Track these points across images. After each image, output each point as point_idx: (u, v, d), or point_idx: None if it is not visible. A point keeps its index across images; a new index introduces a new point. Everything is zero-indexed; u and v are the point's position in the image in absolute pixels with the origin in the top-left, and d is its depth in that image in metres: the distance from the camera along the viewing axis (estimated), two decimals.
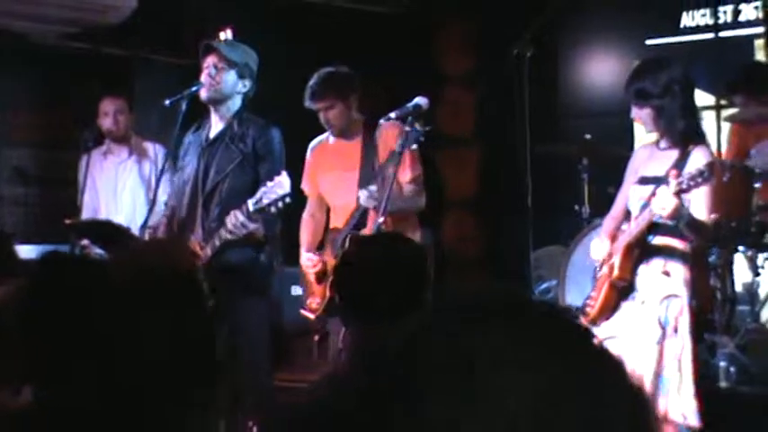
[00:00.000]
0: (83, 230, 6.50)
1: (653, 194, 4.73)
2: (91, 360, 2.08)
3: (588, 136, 7.33)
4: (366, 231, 5.37)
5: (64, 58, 8.76)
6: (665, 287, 4.75)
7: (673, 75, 4.83)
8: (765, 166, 6.13)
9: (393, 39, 8.53)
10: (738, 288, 6.33)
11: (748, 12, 8.23)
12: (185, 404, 2.12)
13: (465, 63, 9.14)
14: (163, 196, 5.90)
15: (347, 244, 5.32)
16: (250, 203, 4.94)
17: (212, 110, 5.46)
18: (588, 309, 4.95)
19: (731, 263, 6.28)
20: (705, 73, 7.92)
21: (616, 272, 4.82)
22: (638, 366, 4.64)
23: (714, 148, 7.32)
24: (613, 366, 1.09)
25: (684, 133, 4.80)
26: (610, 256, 4.93)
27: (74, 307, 2.22)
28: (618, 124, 7.36)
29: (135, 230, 6.11)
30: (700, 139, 4.84)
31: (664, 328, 4.70)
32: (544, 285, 7.27)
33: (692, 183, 4.44)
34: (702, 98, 7.87)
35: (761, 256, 6.24)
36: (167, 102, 5.50)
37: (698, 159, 4.72)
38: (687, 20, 8.36)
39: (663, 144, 4.90)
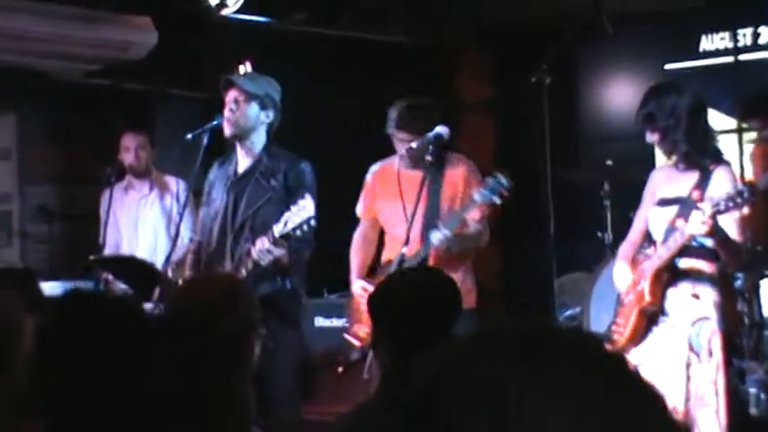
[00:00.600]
0: (106, 266, 6.53)
1: (678, 216, 4.70)
2: (102, 395, 2.09)
3: (609, 161, 7.32)
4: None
5: (85, 94, 8.83)
6: (695, 310, 4.72)
7: (677, 100, 4.84)
8: None
9: (413, 69, 8.55)
10: (766, 313, 6.28)
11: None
12: None
13: (484, 92, 9.16)
14: (185, 231, 5.91)
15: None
16: (275, 229, 4.94)
17: (238, 145, 5.46)
18: (616, 336, 4.91)
19: (758, 288, 6.23)
20: (725, 96, 7.91)
21: (647, 297, 4.78)
22: (667, 389, 4.60)
23: (736, 171, 7.30)
24: (649, 394, 1.09)
25: (687, 156, 4.80)
26: (635, 282, 4.89)
27: (89, 343, 2.23)
28: (639, 149, 7.32)
29: (158, 265, 6.13)
30: (718, 158, 4.83)
31: (697, 353, 4.67)
32: (568, 312, 7.24)
33: (730, 204, 4.38)
34: (723, 121, 7.85)
35: None
36: (188, 136, 5.51)
37: (721, 179, 4.70)
38: (706, 43, 8.35)
39: (681, 165, 4.88)
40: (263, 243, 4.99)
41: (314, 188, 5.34)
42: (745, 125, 7.73)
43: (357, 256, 5.89)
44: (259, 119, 5.39)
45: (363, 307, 5.59)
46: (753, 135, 7.15)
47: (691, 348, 4.69)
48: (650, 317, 4.82)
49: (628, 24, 7.64)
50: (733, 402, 5.00)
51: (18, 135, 9.14)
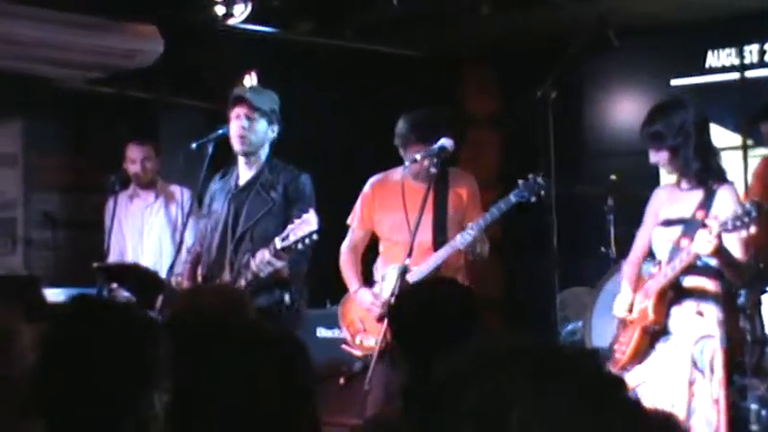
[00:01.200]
0: (110, 273, 6.53)
1: (683, 236, 4.70)
2: (104, 403, 2.09)
3: (613, 177, 7.32)
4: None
5: (91, 102, 8.84)
6: (699, 328, 4.72)
7: (685, 116, 4.82)
8: None
9: (417, 81, 8.56)
10: None
11: None
12: None
13: (489, 105, 9.17)
14: (189, 239, 5.92)
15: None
16: (277, 241, 4.96)
17: (243, 158, 5.48)
18: (618, 355, 4.90)
19: (760, 304, 6.23)
20: (731, 113, 7.91)
21: (651, 316, 4.76)
22: (669, 407, 4.59)
23: (741, 188, 7.30)
24: (644, 416, 1.08)
25: (700, 173, 4.79)
26: (639, 301, 4.87)
27: (91, 351, 2.23)
28: (643, 165, 7.32)
29: (162, 273, 6.14)
30: (721, 177, 4.83)
31: (700, 370, 4.66)
32: (570, 327, 7.23)
33: (737, 223, 4.37)
34: (728, 138, 7.85)
35: None
36: (193, 145, 5.53)
37: (725, 199, 4.70)
38: (712, 59, 8.34)
39: (685, 185, 4.87)
40: (263, 255, 5.01)
41: (313, 201, 5.36)
42: (751, 141, 7.74)
43: (352, 267, 5.88)
44: (267, 135, 5.43)
45: (371, 315, 5.59)
46: (758, 151, 7.15)
47: (695, 366, 4.68)
48: (653, 335, 4.82)
49: (633, 39, 7.65)
50: (734, 419, 5.00)
51: (23, 142, 9.15)
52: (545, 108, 5.96)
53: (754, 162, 7.16)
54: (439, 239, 5.59)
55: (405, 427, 1.10)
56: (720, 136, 7.46)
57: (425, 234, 5.59)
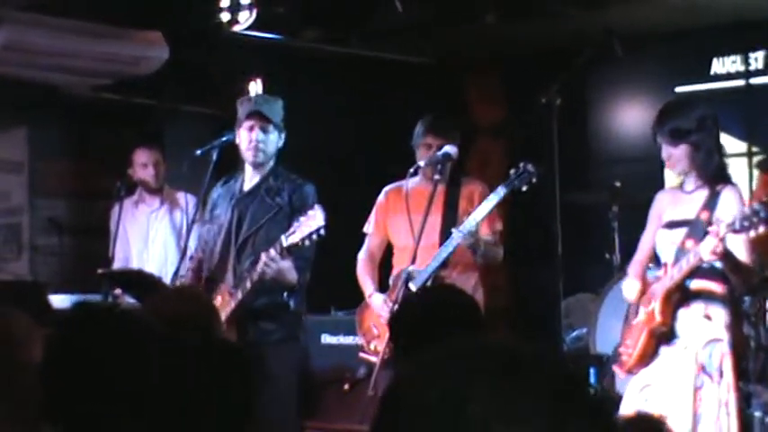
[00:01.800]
0: (115, 279, 6.54)
1: (687, 237, 4.70)
2: (108, 407, 2.10)
3: (618, 183, 7.32)
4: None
5: (96, 109, 8.86)
6: (707, 331, 4.71)
7: (704, 111, 4.86)
8: None
9: (423, 89, 8.57)
10: None
11: None
12: None
13: (494, 113, 9.17)
14: (194, 245, 5.93)
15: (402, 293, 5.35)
16: (283, 238, 4.95)
17: (250, 165, 5.49)
18: (624, 358, 4.90)
19: (764, 311, 6.22)
20: (736, 120, 7.91)
21: (658, 318, 4.75)
22: (676, 411, 4.59)
23: (746, 195, 7.29)
24: (606, 417, 1.08)
25: (719, 169, 4.80)
26: (648, 302, 4.86)
27: (95, 354, 2.24)
28: (648, 171, 7.34)
29: (166, 279, 6.14)
30: (727, 178, 4.83)
31: (708, 374, 4.65)
32: (575, 333, 7.23)
33: (746, 223, 4.36)
34: (733, 145, 7.84)
35: None
36: (198, 151, 5.54)
37: (729, 200, 4.70)
38: (717, 66, 8.34)
39: (689, 186, 4.87)
40: (269, 253, 5.00)
41: None
42: (756, 148, 7.74)
43: (369, 273, 5.93)
44: (277, 144, 5.44)
45: (383, 320, 5.61)
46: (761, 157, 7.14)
47: (703, 370, 4.67)
48: (659, 337, 4.81)
49: (638, 46, 7.65)
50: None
51: (29, 149, 9.17)
52: (550, 115, 5.97)
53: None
54: (446, 241, 5.62)
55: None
56: (725, 143, 7.45)
57: (432, 237, 5.62)
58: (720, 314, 4.73)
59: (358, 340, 5.95)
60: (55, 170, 9.17)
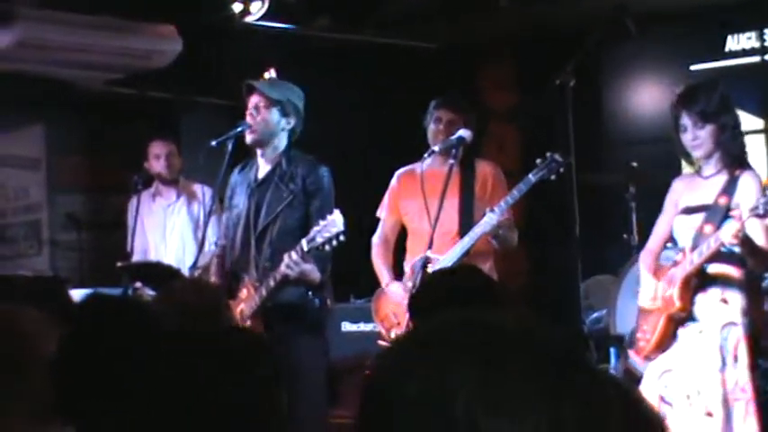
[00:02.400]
0: (134, 273, 6.57)
1: (706, 222, 4.68)
2: (114, 400, 2.11)
3: (634, 164, 7.29)
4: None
5: (111, 103, 8.89)
6: (724, 315, 4.70)
7: (724, 92, 4.86)
8: None
9: (436, 74, 8.56)
10: None
11: None
12: None
13: (508, 97, 9.15)
14: (211, 237, 5.94)
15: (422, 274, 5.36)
16: (304, 243, 4.94)
17: (258, 150, 5.48)
18: (642, 343, 4.89)
19: None
20: (752, 96, 7.87)
21: (677, 304, 4.74)
22: (705, 395, 4.58)
23: (763, 171, 7.25)
24: (603, 399, 1.01)
25: (742, 150, 4.79)
26: (663, 289, 4.85)
27: (104, 347, 2.25)
28: (664, 151, 7.31)
29: (184, 271, 6.16)
30: (745, 162, 4.82)
31: (723, 357, 4.65)
32: (594, 315, 7.22)
33: None
34: (750, 122, 7.81)
35: None
36: (213, 143, 5.53)
37: (748, 184, 4.68)
38: (732, 44, 8.29)
39: (707, 171, 4.85)
40: (291, 257, 4.99)
41: (332, 193, 5.35)
42: None
43: (384, 259, 5.93)
44: (280, 125, 5.39)
45: (402, 309, 5.61)
46: None
47: (720, 353, 4.66)
48: (678, 323, 4.80)
49: (652, 25, 7.62)
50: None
51: (46, 145, 9.22)
52: (564, 96, 5.95)
53: None
54: (465, 226, 5.61)
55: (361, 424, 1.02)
56: (742, 120, 7.42)
57: (451, 222, 5.63)
58: (737, 298, 4.71)
59: (377, 327, 5.96)
60: (72, 165, 9.21)
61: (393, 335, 5.73)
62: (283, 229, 5.24)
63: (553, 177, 5.43)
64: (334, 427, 5.68)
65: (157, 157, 7.08)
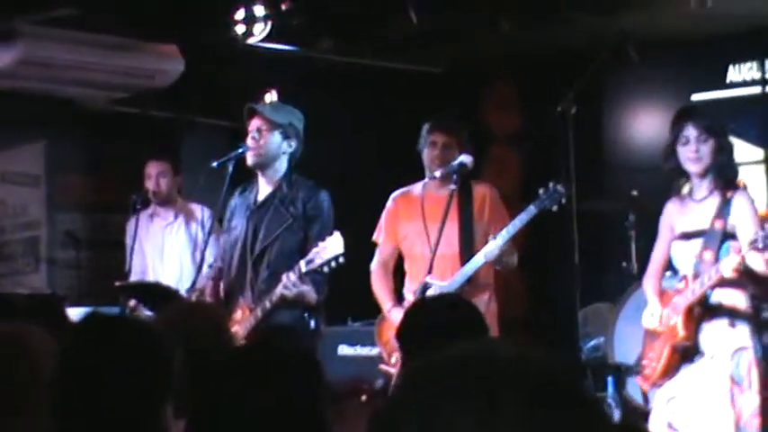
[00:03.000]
0: (132, 292, 6.55)
1: (704, 248, 4.67)
2: (120, 418, 2.10)
3: (635, 192, 7.29)
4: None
5: (113, 122, 8.89)
6: (733, 340, 4.68)
7: (722, 120, 4.87)
8: None
9: (438, 98, 8.57)
10: None
11: None
12: None
13: (510, 121, 9.16)
14: (210, 258, 5.93)
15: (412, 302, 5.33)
16: (302, 264, 4.94)
17: (259, 172, 5.48)
18: (648, 371, 4.87)
19: None
20: (753, 127, 7.88)
21: (681, 332, 4.71)
22: (716, 422, 4.56)
23: (763, 201, 7.26)
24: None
25: (736, 175, 4.80)
26: (667, 317, 4.83)
27: (103, 365, 2.25)
28: (664, 180, 7.31)
29: (182, 292, 6.15)
30: (736, 185, 4.82)
31: (738, 383, 4.62)
32: (592, 343, 7.20)
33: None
34: (751, 152, 7.82)
35: None
36: (214, 164, 5.54)
37: (742, 206, 4.69)
38: (734, 74, 8.31)
39: (699, 194, 4.84)
40: (289, 278, 4.99)
41: (332, 217, 5.36)
42: None
43: (385, 285, 5.89)
44: (281, 148, 5.41)
45: None
46: None
47: (732, 380, 4.64)
48: (683, 352, 4.78)
49: (654, 54, 7.63)
50: None
51: (46, 162, 9.22)
52: (566, 123, 5.95)
53: None
54: (466, 250, 5.59)
55: None
56: (742, 150, 7.43)
57: (451, 246, 5.60)
58: (744, 323, 4.70)
59: (375, 351, 5.93)
60: (72, 183, 9.21)
61: (394, 359, 5.72)
62: (282, 251, 5.24)
63: (555, 208, 5.41)
64: None
65: (149, 176, 7.07)
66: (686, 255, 4.83)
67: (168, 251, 7.09)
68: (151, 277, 6.98)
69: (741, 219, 4.62)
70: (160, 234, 7.11)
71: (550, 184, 5.43)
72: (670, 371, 4.79)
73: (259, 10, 7.42)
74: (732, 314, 4.70)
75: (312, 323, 5.26)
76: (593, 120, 8.25)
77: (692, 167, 4.83)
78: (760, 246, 4.36)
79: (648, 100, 8.74)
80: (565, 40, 8.04)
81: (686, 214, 4.87)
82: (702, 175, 4.81)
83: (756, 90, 8.15)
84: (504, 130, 9.16)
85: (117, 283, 6.59)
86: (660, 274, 5.07)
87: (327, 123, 7.52)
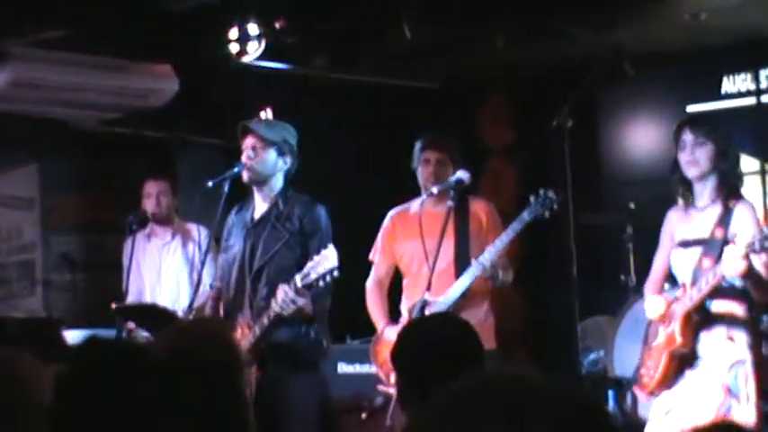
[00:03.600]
0: (129, 314, 6.53)
1: (704, 256, 4.66)
2: None
3: (632, 205, 7.29)
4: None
5: (107, 142, 8.88)
6: (731, 353, 4.66)
7: (727, 127, 4.85)
8: None
9: (434, 113, 8.57)
10: None
11: None
12: None
13: (506, 135, 9.16)
14: (207, 278, 5.90)
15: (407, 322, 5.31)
16: (298, 278, 4.94)
17: (255, 190, 5.47)
18: (645, 380, 4.85)
19: None
20: (748, 138, 7.88)
21: (679, 340, 4.70)
22: None
23: (760, 212, 7.25)
24: None
25: (739, 183, 4.79)
26: (667, 322, 4.81)
27: (105, 391, 2.22)
28: (661, 192, 7.30)
29: (179, 312, 6.12)
30: (739, 194, 4.80)
31: (735, 396, 4.60)
32: (591, 356, 7.19)
33: (766, 243, 4.34)
34: (746, 163, 7.81)
35: None
36: (210, 183, 5.52)
37: (744, 216, 4.67)
38: (728, 85, 8.32)
39: (701, 202, 4.83)
40: (285, 293, 4.97)
41: (329, 232, 5.34)
42: None
43: (379, 304, 5.88)
44: (277, 165, 5.40)
45: None
46: None
47: (729, 393, 4.62)
48: (681, 360, 4.76)
49: (649, 67, 7.64)
50: None
51: (41, 184, 9.19)
52: (562, 137, 5.95)
53: None
54: (461, 265, 5.58)
55: None
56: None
57: (447, 261, 5.59)
58: (742, 336, 4.69)
59: (374, 369, 5.91)
60: (67, 205, 9.18)
61: (392, 379, 5.68)
62: (280, 268, 5.22)
63: (547, 215, 5.40)
64: None
65: (149, 196, 7.06)
66: (685, 262, 4.81)
67: (165, 271, 7.07)
68: (148, 298, 6.96)
69: (742, 228, 4.60)
70: (157, 254, 7.09)
71: (541, 191, 5.43)
72: (668, 379, 4.78)
73: (253, 28, 7.41)
74: (730, 321, 4.68)
75: (312, 333, 5.23)
76: (589, 133, 8.26)
77: (689, 172, 4.82)
78: (757, 248, 4.35)
79: (644, 112, 8.75)
80: (560, 55, 8.04)
81: (687, 222, 4.86)
82: (701, 180, 4.80)
83: (751, 101, 8.17)
84: (501, 144, 9.15)
85: (114, 305, 6.56)
86: (661, 283, 5.05)
87: (323, 140, 7.52)
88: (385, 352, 5.72)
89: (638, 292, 6.61)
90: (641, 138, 8.73)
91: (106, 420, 2.20)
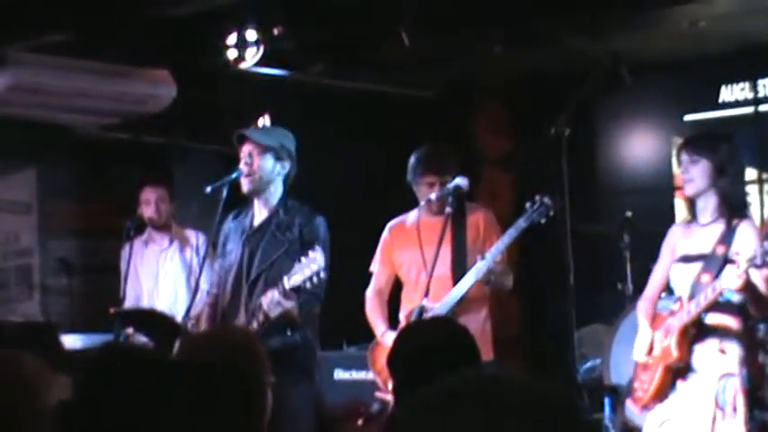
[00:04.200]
0: (127, 319, 6.52)
1: (703, 272, 4.66)
2: None
3: (629, 213, 7.29)
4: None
5: (105, 148, 8.88)
6: (721, 365, 4.67)
7: (730, 141, 4.87)
8: None
9: (431, 121, 8.57)
10: None
11: None
12: None
13: (503, 144, 9.16)
14: (205, 284, 5.90)
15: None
16: (285, 280, 4.94)
17: (255, 197, 5.47)
18: (639, 393, 4.85)
19: None
20: (746, 147, 7.88)
21: (675, 353, 4.70)
22: None
23: (758, 222, 7.25)
24: None
25: (743, 200, 4.77)
26: (661, 339, 4.82)
27: (127, 399, 2.22)
28: (658, 201, 7.33)
29: (177, 318, 6.12)
30: (743, 212, 4.79)
31: (722, 408, 4.61)
32: (588, 364, 7.19)
33: (767, 258, 4.35)
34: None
35: None
36: (208, 189, 5.52)
37: (746, 233, 4.66)
38: (726, 94, 8.33)
39: (704, 219, 4.83)
40: (273, 295, 4.98)
41: (328, 242, 5.34)
42: (766, 175, 7.71)
43: (379, 311, 5.89)
44: (275, 171, 5.40)
45: None
46: None
47: (716, 404, 4.62)
48: (675, 372, 4.77)
49: (646, 75, 7.65)
50: None
51: (38, 189, 9.19)
52: (559, 146, 5.95)
53: None
54: (458, 272, 5.59)
55: None
56: None
57: (444, 268, 5.60)
58: (735, 349, 4.69)
59: (371, 376, 5.91)
60: (65, 210, 9.18)
61: (390, 386, 5.68)
62: (277, 277, 5.22)
63: (543, 221, 5.41)
64: None
65: (147, 203, 7.06)
66: (684, 277, 4.81)
67: (163, 277, 7.07)
68: (146, 303, 6.96)
69: (744, 246, 4.58)
70: (155, 260, 7.10)
71: (537, 197, 5.44)
72: (662, 393, 4.78)
73: (251, 35, 7.42)
74: (723, 334, 4.69)
75: (297, 338, 5.23)
76: (586, 142, 8.26)
77: (685, 190, 4.84)
78: (758, 262, 4.35)
79: (642, 121, 8.76)
80: (557, 63, 8.05)
81: (689, 238, 4.86)
82: (699, 198, 4.79)
83: (749, 110, 8.18)
84: (497, 152, 9.16)
85: (112, 310, 6.56)
86: (656, 299, 5.05)
87: (320, 147, 7.51)
88: (383, 358, 5.72)
89: (635, 300, 6.61)
90: (639, 146, 8.74)
91: (128, 427, 2.20)
